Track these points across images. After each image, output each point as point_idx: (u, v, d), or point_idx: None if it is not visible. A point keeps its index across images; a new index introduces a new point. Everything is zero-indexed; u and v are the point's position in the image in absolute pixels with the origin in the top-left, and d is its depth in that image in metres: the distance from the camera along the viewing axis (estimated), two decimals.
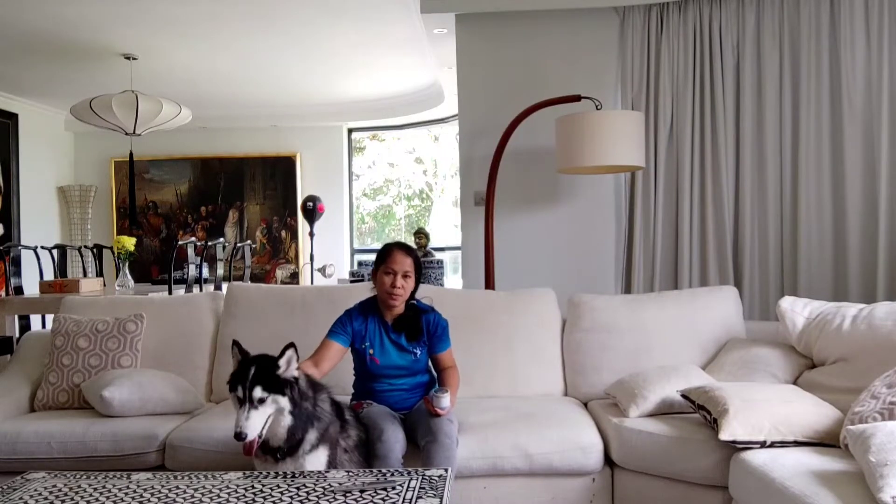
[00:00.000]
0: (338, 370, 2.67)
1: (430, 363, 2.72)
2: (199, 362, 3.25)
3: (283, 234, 8.26)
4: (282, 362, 2.18)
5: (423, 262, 6.28)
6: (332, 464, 2.24)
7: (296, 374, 2.22)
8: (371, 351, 2.60)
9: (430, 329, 2.64)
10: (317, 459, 2.21)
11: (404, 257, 2.59)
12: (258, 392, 2.11)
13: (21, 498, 1.89)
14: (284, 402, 2.15)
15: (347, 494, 1.85)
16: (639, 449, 2.52)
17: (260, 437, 2.12)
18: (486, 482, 2.54)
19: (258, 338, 2.74)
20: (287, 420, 2.16)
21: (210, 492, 1.90)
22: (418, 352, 2.63)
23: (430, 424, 2.41)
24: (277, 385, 2.15)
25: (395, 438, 2.36)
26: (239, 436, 2.06)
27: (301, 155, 8.25)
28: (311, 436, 2.21)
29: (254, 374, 2.14)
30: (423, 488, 1.89)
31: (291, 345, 2.22)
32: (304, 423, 2.19)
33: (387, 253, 2.61)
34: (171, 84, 6.55)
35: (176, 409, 2.91)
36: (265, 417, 2.12)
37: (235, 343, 2.26)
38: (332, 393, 2.40)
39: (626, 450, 2.55)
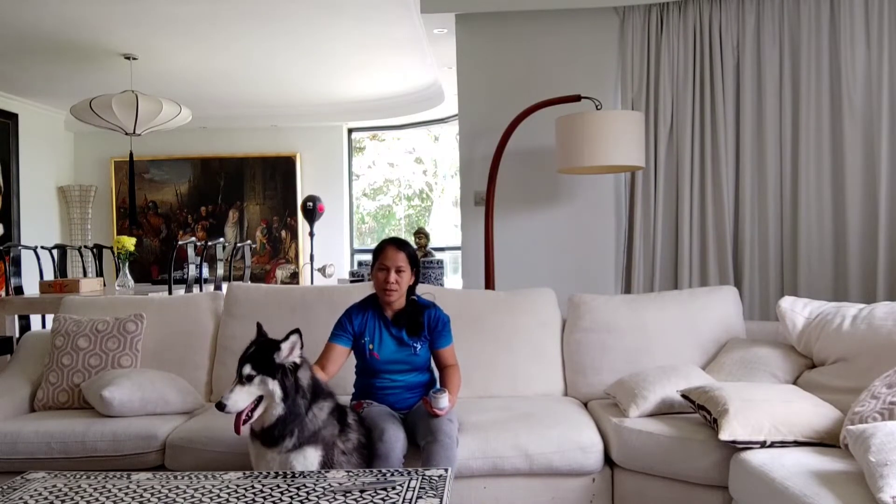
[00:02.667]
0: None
1: (432, 362, 2.73)
2: (199, 362, 3.25)
3: (283, 234, 8.26)
4: (284, 346, 2.20)
5: (423, 263, 6.26)
6: (326, 465, 2.24)
7: (297, 360, 2.23)
8: (371, 346, 2.61)
9: (430, 324, 2.65)
10: (307, 459, 2.21)
11: (396, 252, 2.60)
12: (247, 369, 2.16)
13: (21, 498, 1.89)
14: (273, 385, 2.16)
15: (347, 494, 1.85)
16: (639, 449, 2.52)
17: (249, 417, 2.16)
18: (486, 482, 2.54)
19: None
20: (278, 410, 2.17)
21: (210, 492, 1.90)
22: (418, 346, 2.64)
23: (430, 424, 2.41)
24: (270, 368, 2.17)
25: (395, 438, 2.36)
26: (218, 404, 2.12)
27: (301, 155, 8.25)
28: (289, 442, 2.20)
29: (250, 352, 2.20)
30: (423, 488, 1.89)
31: (297, 331, 2.23)
32: (293, 420, 2.19)
33: (379, 250, 2.64)
34: (171, 84, 6.55)
35: (176, 409, 2.91)
36: (252, 396, 2.15)
37: (258, 325, 2.33)
38: (337, 398, 2.40)
39: (626, 450, 2.55)
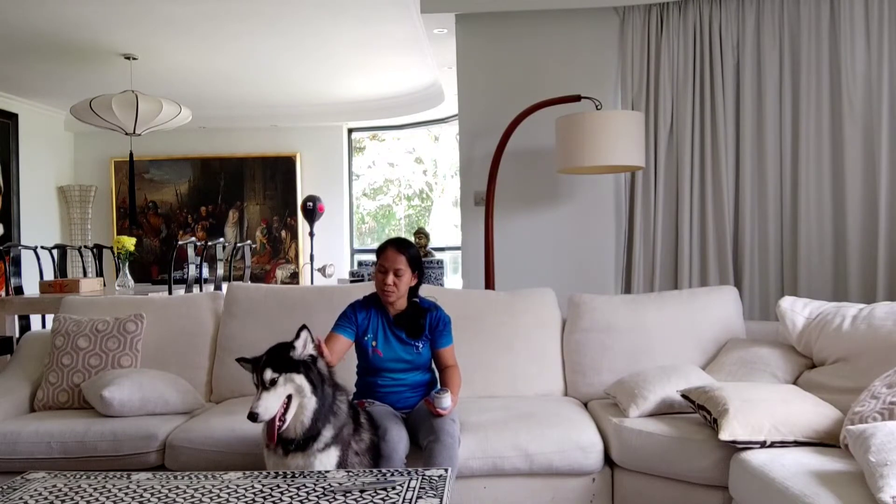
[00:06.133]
0: (340, 370, 2.67)
1: (432, 362, 2.73)
2: (199, 362, 3.25)
3: (283, 234, 8.26)
4: (297, 344, 2.19)
5: (423, 263, 6.26)
6: (342, 465, 2.22)
7: (312, 352, 2.21)
8: (374, 343, 2.61)
9: (432, 323, 2.66)
10: (328, 460, 2.19)
11: (396, 254, 2.59)
12: (268, 374, 2.12)
13: (21, 498, 1.89)
14: (300, 379, 2.14)
15: (347, 494, 1.85)
16: (639, 449, 2.52)
17: (283, 421, 2.12)
18: (486, 482, 2.54)
19: (258, 338, 2.74)
20: (311, 403, 2.15)
21: (210, 492, 1.90)
22: (420, 345, 2.64)
23: (432, 424, 2.41)
24: (290, 365, 2.15)
25: (398, 438, 2.36)
26: (251, 416, 2.06)
27: (301, 155, 8.25)
28: (328, 433, 2.19)
29: (265, 358, 2.16)
30: (423, 488, 1.89)
31: (304, 327, 2.23)
32: (327, 412, 2.18)
33: (380, 251, 2.64)
34: (171, 84, 6.55)
35: (176, 409, 2.91)
36: (281, 399, 2.11)
37: (238, 360, 2.27)
38: (349, 395, 2.40)
39: (626, 450, 2.55)
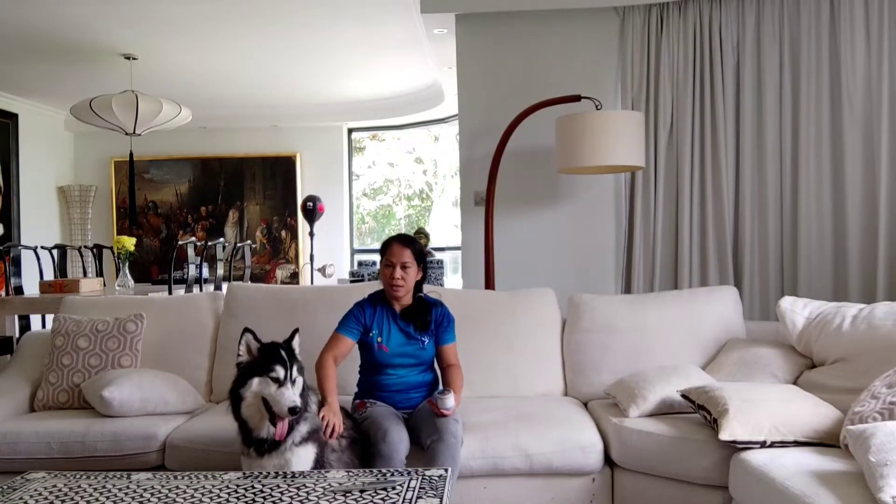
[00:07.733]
0: (342, 370, 2.68)
1: (435, 362, 2.74)
2: (199, 362, 3.25)
3: (283, 234, 8.26)
4: (294, 344, 2.29)
5: (426, 257, 6.25)
6: (319, 463, 2.26)
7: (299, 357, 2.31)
8: (379, 339, 2.63)
9: (437, 319, 2.69)
10: (306, 455, 2.22)
11: (402, 249, 2.64)
12: (295, 371, 2.21)
13: (21, 498, 1.89)
14: (302, 380, 2.24)
15: (347, 494, 1.85)
16: (639, 449, 2.52)
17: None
18: (486, 482, 2.55)
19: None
20: (297, 403, 2.20)
21: (210, 492, 1.90)
22: (426, 340, 2.66)
23: (435, 424, 2.42)
24: (300, 367, 2.25)
25: (398, 439, 2.36)
26: (294, 409, 2.12)
27: (301, 155, 8.25)
28: (303, 428, 2.24)
29: (282, 354, 2.22)
30: (423, 488, 1.89)
31: (297, 330, 2.32)
32: (301, 412, 2.23)
33: (386, 246, 2.69)
34: (171, 84, 6.55)
35: (176, 409, 2.91)
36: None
37: (249, 330, 2.27)
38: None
39: (626, 450, 2.56)
